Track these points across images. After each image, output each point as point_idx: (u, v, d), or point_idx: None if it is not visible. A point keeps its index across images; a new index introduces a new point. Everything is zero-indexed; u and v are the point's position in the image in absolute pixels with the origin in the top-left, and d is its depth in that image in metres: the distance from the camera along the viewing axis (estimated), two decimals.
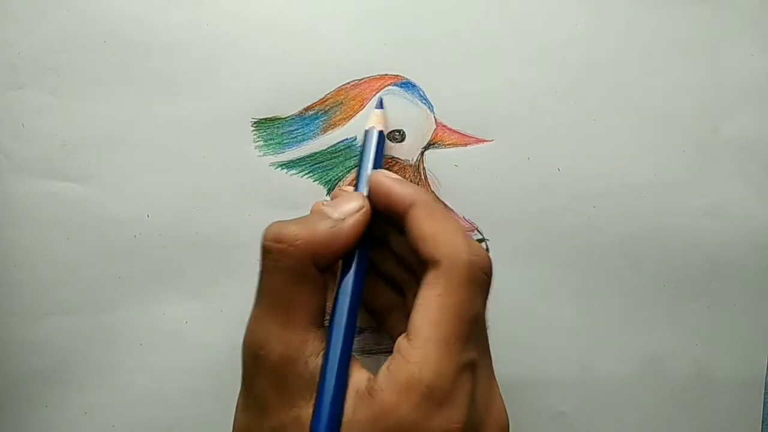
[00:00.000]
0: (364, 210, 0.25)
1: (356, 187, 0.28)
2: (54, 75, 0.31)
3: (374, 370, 0.24)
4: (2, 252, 0.32)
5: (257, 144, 0.32)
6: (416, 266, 0.27)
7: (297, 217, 0.25)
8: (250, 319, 0.25)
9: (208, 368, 0.32)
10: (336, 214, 0.25)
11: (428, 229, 0.24)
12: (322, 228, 0.24)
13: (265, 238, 0.24)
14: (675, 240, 0.34)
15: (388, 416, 0.21)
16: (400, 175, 0.32)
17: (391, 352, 0.28)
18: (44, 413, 0.32)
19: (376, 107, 0.31)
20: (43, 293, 0.32)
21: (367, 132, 0.30)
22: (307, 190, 0.32)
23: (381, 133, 0.30)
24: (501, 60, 0.32)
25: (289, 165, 0.32)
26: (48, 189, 0.32)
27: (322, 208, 0.25)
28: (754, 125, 0.34)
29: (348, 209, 0.25)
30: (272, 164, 0.32)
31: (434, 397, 0.21)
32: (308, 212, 0.28)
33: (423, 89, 0.32)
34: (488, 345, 0.25)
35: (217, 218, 0.32)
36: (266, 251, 0.24)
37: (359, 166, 0.29)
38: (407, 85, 0.32)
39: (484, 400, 0.24)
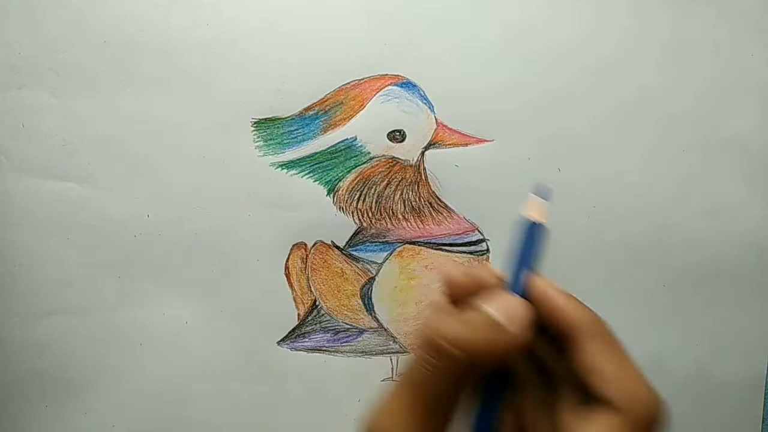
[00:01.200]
0: (529, 320, 0.22)
1: (511, 283, 0.24)
2: (54, 75, 0.31)
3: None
4: (2, 252, 0.32)
5: (257, 144, 0.32)
6: (569, 388, 0.24)
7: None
8: (385, 402, 0.22)
9: (208, 368, 0.32)
10: (506, 321, 0.22)
11: (606, 365, 0.22)
12: (496, 338, 0.22)
13: (440, 337, 0.21)
14: (675, 240, 0.34)
15: None
16: (400, 175, 0.32)
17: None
18: (44, 413, 0.32)
19: (538, 194, 0.25)
20: (43, 293, 0.32)
21: (528, 224, 0.25)
22: (307, 190, 0.32)
23: (542, 226, 0.25)
24: (501, 60, 0.32)
25: (289, 165, 0.32)
26: (48, 189, 0.32)
27: (490, 311, 0.22)
28: (754, 125, 0.34)
29: (516, 315, 0.22)
30: (272, 164, 0.32)
31: None
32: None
33: (423, 89, 0.32)
34: None
35: (217, 218, 0.32)
36: (438, 351, 0.21)
37: (513, 259, 0.24)
38: (407, 85, 0.32)
39: None
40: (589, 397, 0.22)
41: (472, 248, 0.33)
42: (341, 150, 0.32)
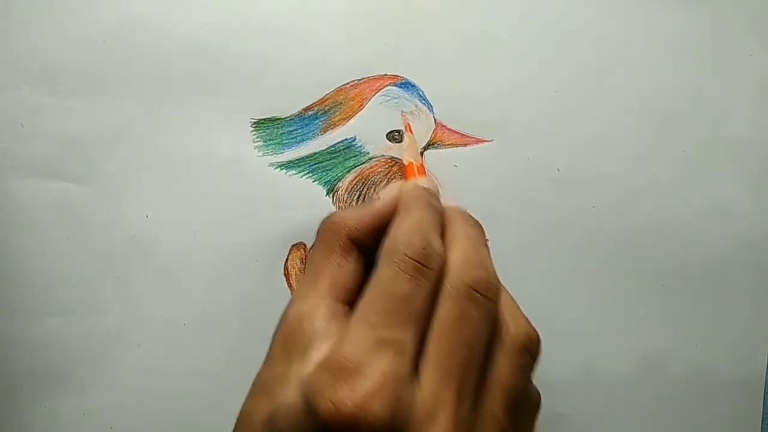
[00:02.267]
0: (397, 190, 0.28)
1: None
2: (54, 75, 0.31)
3: None
4: (2, 252, 0.32)
5: (257, 144, 0.32)
6: None
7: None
8: (295, 295, 0.26)
9: (207, 369, 0.32)
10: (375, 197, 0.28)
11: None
12: (359, 207, 0.28)
13: (326, 221, 0.27)
14: (674, 240, 0.34)
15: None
16: (400, 175, 0.32)
17: None
18: (44, 413, 0.32)
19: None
20: (43, 293, 0.32)
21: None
22: (307, 190, 0.32)
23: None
24: (501, 60, 0.32)
25: (288, 165, 0.32)
26: (48, 189, 0.32)
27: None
28: (754, 125, 0.34)
29: (386, 192, 0.28)
30: (272, 164, 0.32)
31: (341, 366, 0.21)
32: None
33: (423, 89, 0.32)
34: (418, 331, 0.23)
35: (217, 218, 0.32)
36: (317, 231, 0.27)
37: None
38: (407, 85, 0.32)
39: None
40: None
41: None
42: (340, 150, 0.32)
